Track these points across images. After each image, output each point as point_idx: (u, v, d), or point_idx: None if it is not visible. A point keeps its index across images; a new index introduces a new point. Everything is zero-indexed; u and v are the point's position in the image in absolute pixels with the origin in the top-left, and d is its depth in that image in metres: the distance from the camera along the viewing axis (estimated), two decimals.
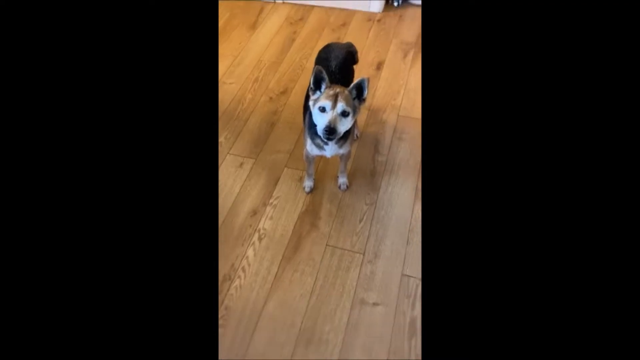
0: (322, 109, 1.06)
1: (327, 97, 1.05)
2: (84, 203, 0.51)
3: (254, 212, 1.51)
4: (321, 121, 1.06)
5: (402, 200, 1.52)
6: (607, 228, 0.49)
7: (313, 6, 2.44)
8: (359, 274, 1.34)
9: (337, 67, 1.29)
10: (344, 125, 1.07)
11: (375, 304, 1.26)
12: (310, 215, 1.50)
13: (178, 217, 0.54)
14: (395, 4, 2.40)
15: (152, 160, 0.53)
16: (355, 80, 1.08)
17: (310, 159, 1.42)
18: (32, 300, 0.48)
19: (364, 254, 1.38)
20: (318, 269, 1.35)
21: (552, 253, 0.50)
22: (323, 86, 1.09)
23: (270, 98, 1.94)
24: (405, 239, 1.41)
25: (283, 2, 2.49)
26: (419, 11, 2.37)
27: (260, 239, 1.44)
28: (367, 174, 1.61)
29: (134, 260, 0.52)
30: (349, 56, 1.39)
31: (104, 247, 0.51)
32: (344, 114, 1.06)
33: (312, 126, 1.17)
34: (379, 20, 2.33)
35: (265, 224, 1.48)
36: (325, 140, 1.09)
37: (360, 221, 1.47)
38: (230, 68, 2.10)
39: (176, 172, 0.54)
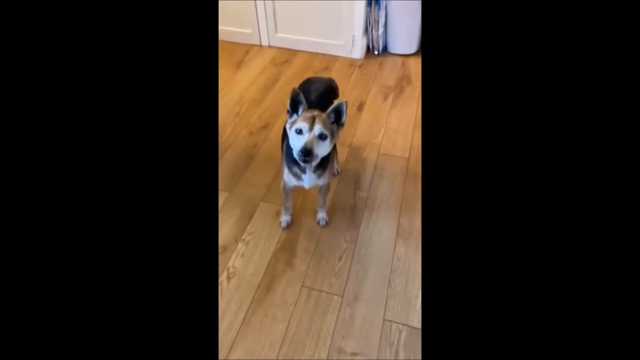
0: (299, 131, 1.02)
1: (304, 120, 1.01)
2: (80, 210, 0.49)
3: (224, 249, 1.39)
4: (297, 144, 1.01)
5: (384, 238, 1.44)
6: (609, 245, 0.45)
7: (298, 50, 2.54)
8: (337, 318, 1.20)
9: (317, 98, 1.27)
10: (321, 149, 1.02)
11: (354, 354, 1.12)
12: (285, 252, 1.38)
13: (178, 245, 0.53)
14: (376, 52, 2.52)
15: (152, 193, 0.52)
16: (334, 104, 1.05)
17: (287, 191, 1.35)
18: (25, 288, 0.47)
19: (342, 296, 1.26)
20: (291, 314, 1.21)
21: (559, 296, 0.47)
22: (300, 109, 1.06)
23: (251, 132, 1.91)
24: (387, 280, 1.31)
25: (269, 46, 2.58)
26: (397, 59, 2.50)
27: (228, 278, 1.30)
28: (347, 210, 1.54)
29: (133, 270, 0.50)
30: (329, 90, 1.39)
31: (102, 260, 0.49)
32: (322, 136, 1.01)
33: (289, 154, 1.12)
34: (360, 66, 2.43)
35: (235, 262, 1.35)
36: (302, 162, 1.03)
37: (339, 260, 1.37)
38: None
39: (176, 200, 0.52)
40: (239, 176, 1.66)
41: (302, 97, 1.04)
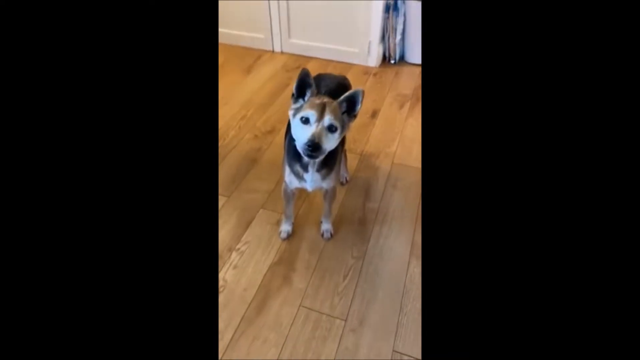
0: (305, 120, 0.87)
1: (312, 107, 0.87)
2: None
3: None
4: (303, 135, 0.86)
5: (396, 255, 1.27)
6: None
7: (311, 57, 2.46)
8: (338, 346, 1.03)
9: (327, 94, 1.14)
10: (329, 142, 0.87)
11: None
12: (284, 266, 1.23)
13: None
14: (392, 61, 2.42)
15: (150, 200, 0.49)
16: (348, 92, 0.92)
17: (289, 195, 1.20)
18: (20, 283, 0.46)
19: (346, 320, 1.09)
20: (286, 337, 1.05)
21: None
22: (308, 93, 0.92)
23: (255, 136, 1.80)
24: (398, 304, 1.13)
25: (282, 52, 2.51)
26: (415, 69, 2.38)
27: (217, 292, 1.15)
28: (355, 222, 1.39)
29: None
30: (341, 88, 1.26)
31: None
32: (331, 128, 0.87)
33: (291, 149, 0.98)
34: (375, 74, 2.32)
35: (227, 274, 1.20)
36: (307, 157, 0.88)
37: (344, 278, 1.20)
38: None
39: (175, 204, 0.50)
40: (239, 181, 1.54)
41: (311, 79, 0.90)
